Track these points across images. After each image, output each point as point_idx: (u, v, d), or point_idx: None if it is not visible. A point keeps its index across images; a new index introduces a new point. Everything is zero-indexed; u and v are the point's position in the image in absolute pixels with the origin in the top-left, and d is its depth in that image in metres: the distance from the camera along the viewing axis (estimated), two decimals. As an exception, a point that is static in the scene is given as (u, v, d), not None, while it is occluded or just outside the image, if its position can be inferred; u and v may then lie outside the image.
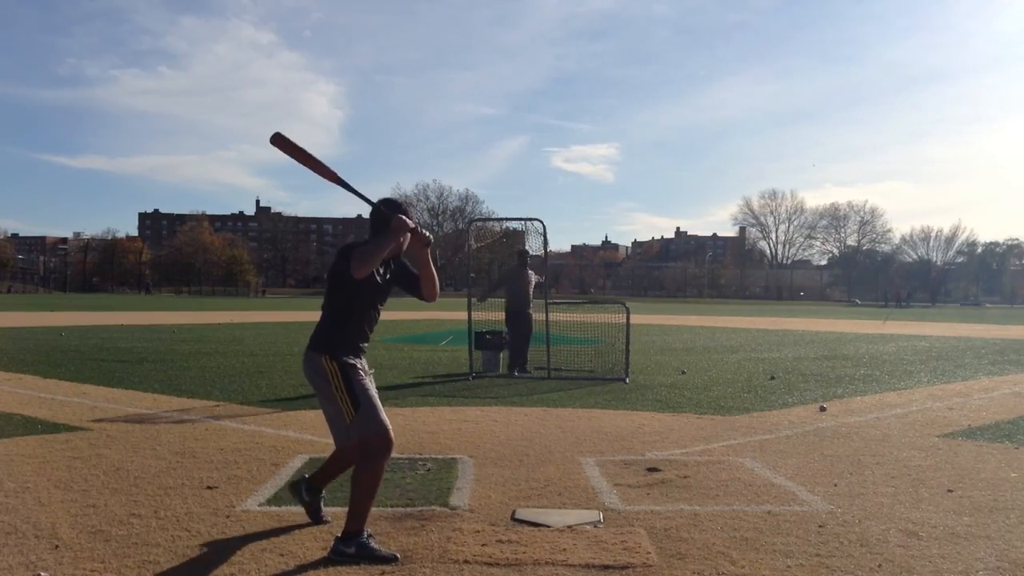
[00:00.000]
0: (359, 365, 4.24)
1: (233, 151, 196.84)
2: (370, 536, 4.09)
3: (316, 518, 4.61)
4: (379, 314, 4.39)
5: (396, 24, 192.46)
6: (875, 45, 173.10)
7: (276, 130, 4.21)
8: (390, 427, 4.17)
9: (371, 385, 4.26)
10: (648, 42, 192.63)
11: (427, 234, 4.25)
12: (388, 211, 4.21)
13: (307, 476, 4.69)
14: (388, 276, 4.33)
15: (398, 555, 4.03)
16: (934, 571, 3.97)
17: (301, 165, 4.22)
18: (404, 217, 4.17)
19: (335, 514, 4.64)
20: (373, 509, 4.69)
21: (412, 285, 4.36)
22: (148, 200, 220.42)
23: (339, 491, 5.23)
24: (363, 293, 4.21)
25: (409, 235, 4.18)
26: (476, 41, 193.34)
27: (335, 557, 4.00)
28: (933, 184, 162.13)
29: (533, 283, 12.30)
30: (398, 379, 11.29)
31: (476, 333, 12.27)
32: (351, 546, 4.01)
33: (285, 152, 4.19)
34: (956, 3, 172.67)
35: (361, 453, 4.17)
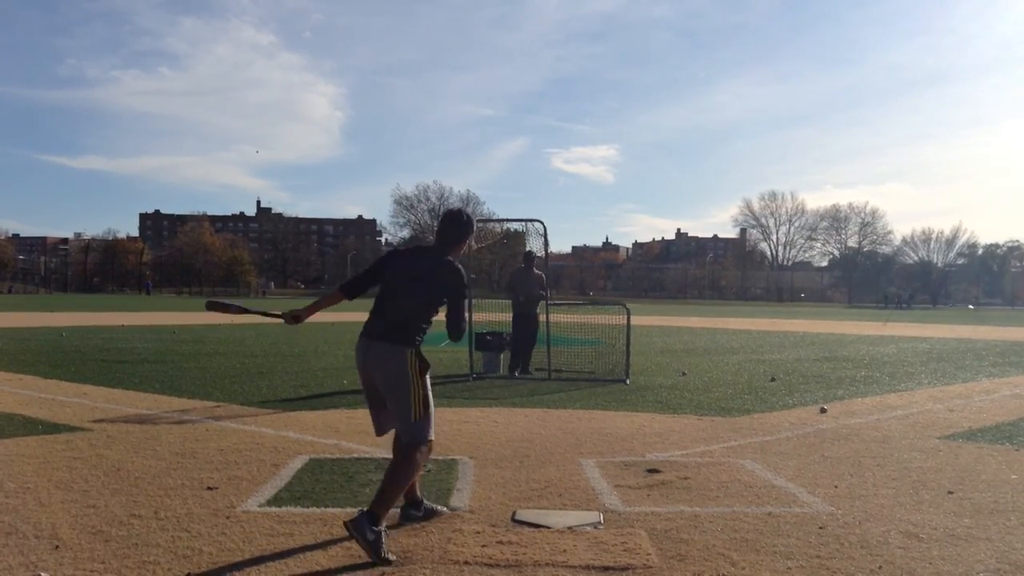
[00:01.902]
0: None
1: (234, 152, 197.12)
2: (386, 532, 4.13)
3: (436, 514, 4.75)
4: None
5: (396, 26, 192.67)
6: (875, 48, 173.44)
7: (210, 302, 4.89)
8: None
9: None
10: (648, 44, 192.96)
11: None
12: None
13: (405, 505, 4.71)
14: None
15: (394, 559, 4.03)
16: (934, 573, 3.97)
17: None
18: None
19: (326, 516, 4.64)
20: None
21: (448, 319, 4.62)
22: (149, 201, 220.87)
23: (340, 492, 5.23)
24: (436, 309, 4.50)
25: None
26: (476, 43, 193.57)
27: (354, 530, 3.98)
28: (933, 186, 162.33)
29: (542, 284, 12.30)
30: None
31: (476, 334, 12.27)
32: (374, 532, 4.00)
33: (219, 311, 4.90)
34: (956, 6, 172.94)
35: (410, 452, 4.35)
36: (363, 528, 3.99)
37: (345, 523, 4.06)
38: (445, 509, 4.82)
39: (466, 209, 5.16)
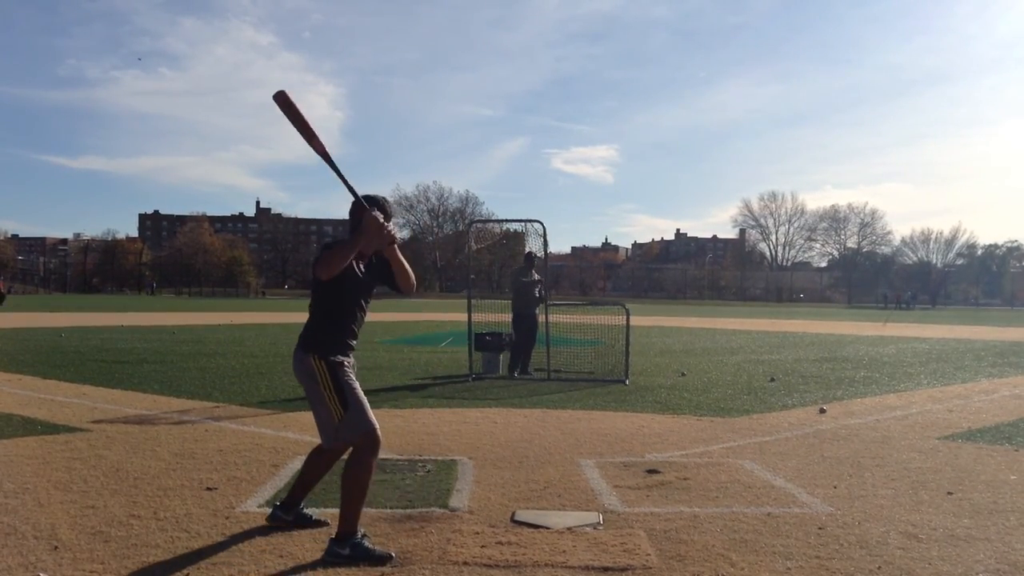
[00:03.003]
0: (347, 364, 4.24)
1: (233, 152, 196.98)
2: (364, 536, 4.09)
3: (310, 524, 4.57)
4: (366, 312, 4.38)
5: (395, 26, 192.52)
6: (875, 48, 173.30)
7: (281, 93, 4.12)
8: (378, 426, 4.19)
9: (358, 384, 4.26)
10: (647, 44, 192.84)
11: (392, 233, 4.17)
12: (363, 205, 4.15)
13: (278, 503, 4.67)
14: (368, 272, 4.31)
15: (394, 554, 4.03)
16: (934, 573, 3.97)
17: (297, 129, 4.16)
18: (377, 214, 4.08)
19: (329, 515, 4.64)
20: (372, 511, 4.70)
21: (389, 279, 4.32)
22: (148, 201, 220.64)
23: (338, 493, 5.22)
24: (347, 291, 4.21)
25: (381, 233, 4.10)
26: (475, 43, 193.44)
27: (330, 559, 3.99)
28: (933, 186, 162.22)
29: (540, 286, 12.30)
30: (398, 381, 11.29)
31: (476, 335, 12.27)
32: (346, 547, 4.01)
33: (285, 113, 4.14)
34: (956, 6, 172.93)
35: (352, 453, 4.19)
36: (334, 552, 4.01)
37: (323, 557, 4.04)
38: (327, 521, 4.55)
39: (382, 196, 4.64)
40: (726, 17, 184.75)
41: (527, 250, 12.74)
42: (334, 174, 4.15)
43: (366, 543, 4.05)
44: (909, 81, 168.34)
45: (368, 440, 4.15)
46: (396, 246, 4.19)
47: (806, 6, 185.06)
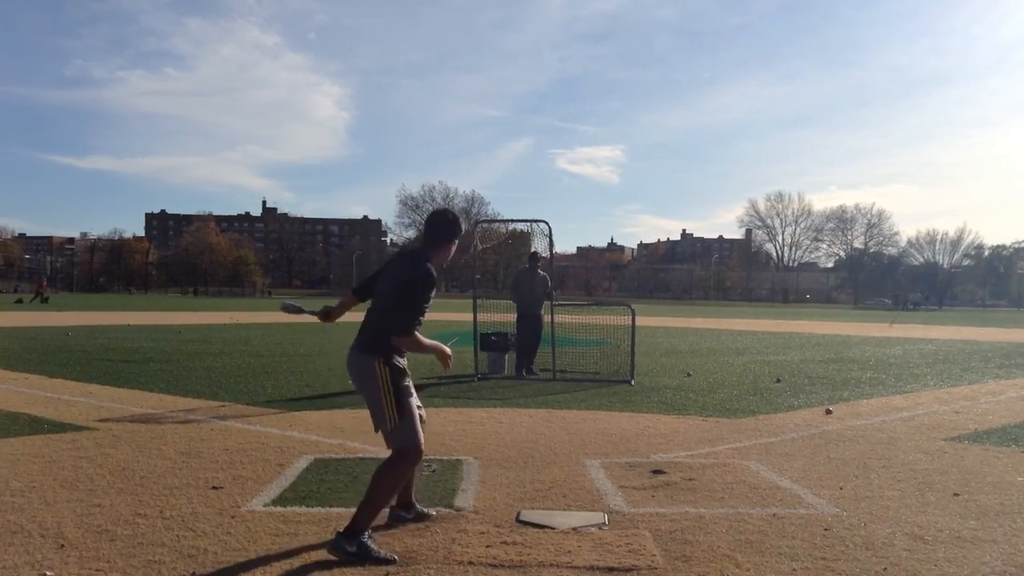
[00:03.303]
0: (407, 371, 4.38)
1: (239, 152, 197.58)
2: (370, 536, 4.10)
3: (426, 517, 4.70)
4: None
5: (400, 26, 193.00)
6: (879, 49, 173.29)
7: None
8: (423, 441, 4.31)
9: (415, 394, 4.41)
10: (651, 45, 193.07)
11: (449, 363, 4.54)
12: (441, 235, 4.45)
13: (393, 506, 4.65)
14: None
15: (396, 558, 4.03)
16: (940, 575, 3.96)
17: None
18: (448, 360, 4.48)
19: (329, 516, 4.64)
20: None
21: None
22: (155, 201, 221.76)
23: (344, 492, 5.23)
24: (422, 316, 4.34)
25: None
26: (480, 44, 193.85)
27: (335, 552, 4.00)
28: (938, 187, 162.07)
29: (546, 285, 12.29)
30: (403, 380, 11.25)
31: (481, 335, 12.27)
32: (353, 544, 4.01)
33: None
34: (960, 8, 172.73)
35: (393, 459, 4.26)
36: (341, 546, 4.02)
37: (327, 550, 4.05)
38: (434, 513, 4.77)
39: (452, 209, 4.94)
40: (730, 18, 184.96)
41: (532, 250, 12.75)
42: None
43: (371, 544, 4.06)
44: (914, 82, 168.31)
45: (413, 453, 4.27)
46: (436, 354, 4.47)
47: (810, 8, 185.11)
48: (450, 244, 4.50)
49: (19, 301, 46.21)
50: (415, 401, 4.38)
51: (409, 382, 4.37)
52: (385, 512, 4.52)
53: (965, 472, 6.18)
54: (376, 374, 4.24)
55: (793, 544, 4.36)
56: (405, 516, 4.67)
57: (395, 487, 4.25)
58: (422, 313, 4.27)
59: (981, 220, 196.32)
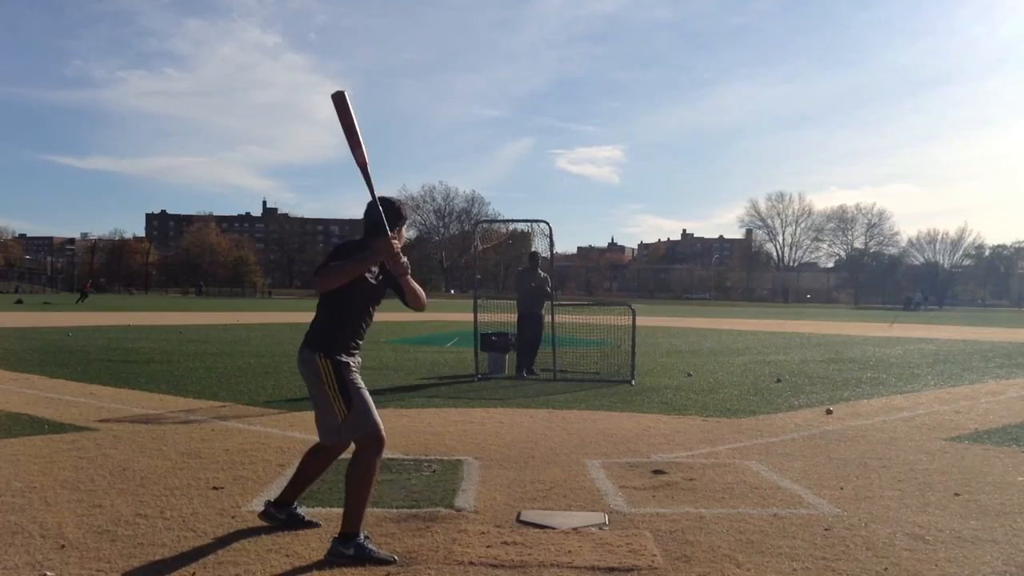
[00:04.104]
0: (353, 364, 4.23)
1: (239, 152, 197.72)
2: (367, 537, 4.09)
3: (301, 525, 4.53)
4: (373, 315, 4.37)
5: (401, 27, 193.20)
6: (879, 49, 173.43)
7: (339, 93, 4.28)
8: (382, 426, 4.19)
9: (363, 385, 4.27)
10: (651, 45, 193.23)
11: (405, 263, 4.16)
12: (377, 217, 4.11)
13: (270, 500, 4.64)
14: (382, 277, 4.29)
15: (396, 558, 4.03)
16: (940, 575, 3.95)
17: (343, 131, 4.23)
18: (392, 241, 4.07)
19: (331, 515, 4.65)
20: (378, 510, 4.70)
21: (400, 292, 4.31)
22: (155, 201, 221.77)
23: (343, 493, 5.23)
24: (356, 294, 4.18)
25: (396, 263, 4.12)
26: (480, 44, 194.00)
27: (333, 559, 3.99)
28: (939, 187, 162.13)
29: (546, 285, 12.27)
30: (404, 380, 11.29)
31: (482, 335, 12.27)
32: (349, 547, 4.00)
33: (338, 112, 4.24)
34: (960, 8, 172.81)
35: (356, 454, 4.19)
36: (338, 551, 4.00)
37: (326, 557, 4.03)
38: (319, 524, 4.54)
39: (397, 198, 4.68)
40: (729, 19, 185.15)
41: (532, 249, 12.75)
42: (364, 181, 4.18)
43: (369, 545, 4.05)
44: (914, 82, 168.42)
45: (372, 441, 4.14)
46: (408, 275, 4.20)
47: (810, 8, 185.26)
48: (393, 228, 4.17)
49: (19, 302, 46.22)
50: (366, 391, 4.23)
51: (357, 375, 4.22)
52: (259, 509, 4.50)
53: (966, 472, 6.18)
54: (319, 369, 4.14)
55: (794, 544, 4.36)
56: (276, 515, 4.52)
57: (370, 480, 4.13)
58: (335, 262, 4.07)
59: (982, 220, 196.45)
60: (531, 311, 12.12)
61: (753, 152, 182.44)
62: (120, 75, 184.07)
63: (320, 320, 4.26)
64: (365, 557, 3.97)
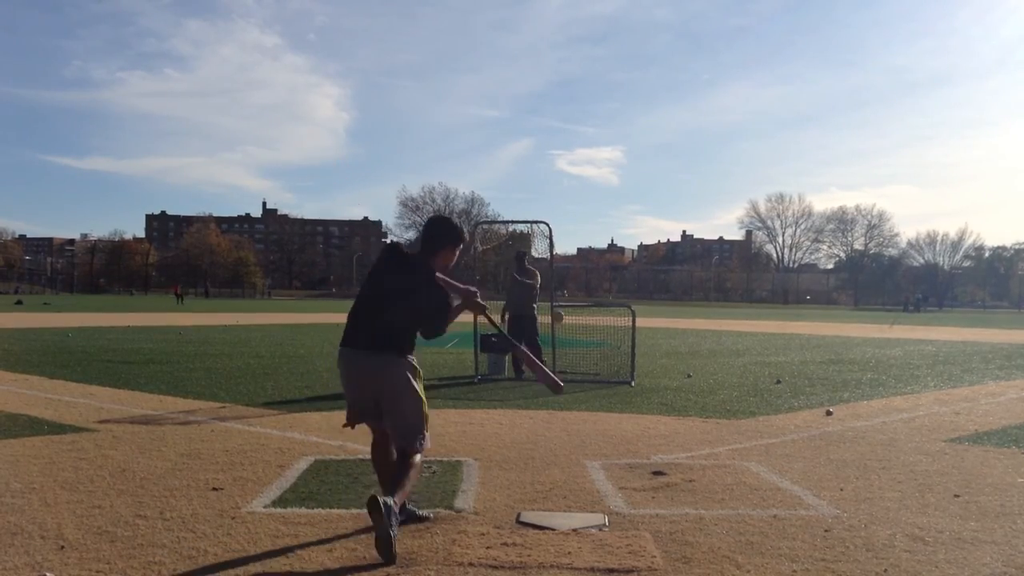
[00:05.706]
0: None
1: (239, 153, 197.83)
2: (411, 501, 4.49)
3: (415, 520, 4.65)
4: None
5: (400, 28, 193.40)
6: (879, 50, 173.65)
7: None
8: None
9: None
10: (650, 46, 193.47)
11: (484, 306, 4.83)
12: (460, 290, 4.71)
13: (384, 498, 4.21)
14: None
15: (396, 559, 4.01)
16: (940, 576, 3.95)
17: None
18: (478, 298, 4.78)
19: (331, 515, 4.64)
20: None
21: (426, 324, 4.60)
22: (155, 202, 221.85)
23: (345, 493, 5.23)
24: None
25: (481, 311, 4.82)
26: (479, 45, 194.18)
27: (402, 518, 4.24)
28: (938, 188, 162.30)
29: (535, 285, 12.16)
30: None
31: (481, 336, 12.26)
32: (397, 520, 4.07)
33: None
34: (959, 9, 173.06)
35: (416, 452, 4.43)
36: (408, 512, 4.41)
37: (374, 500, 3.96)
38: (431, 516, 4.74)
39: (453, 217, 5.22)
40: (728, 19, 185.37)
41: (518, 250, 12.65)
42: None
43: (411, 506, 4.51)
44: (913, 83, 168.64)
45: (428, 443, 4.56)
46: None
47: (809, 9, 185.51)
48: (452, 249, 4.67)
49: (19, 303, 46.22)
50: None
51: None
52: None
53: (965, 473, 6.18)
54: (416, 371, 4.50)
55: (793, 545, 4.36)
56: (417, 513, 4.73)
57: (416, 480, 4.46)
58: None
59: (981, 221, 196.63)
60: (519, 312, 11.99)
61: (753, 153, 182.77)
62: (120, 75, 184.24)
63: (400, 328, 4.49)
64: (411, 518, 4.44)
